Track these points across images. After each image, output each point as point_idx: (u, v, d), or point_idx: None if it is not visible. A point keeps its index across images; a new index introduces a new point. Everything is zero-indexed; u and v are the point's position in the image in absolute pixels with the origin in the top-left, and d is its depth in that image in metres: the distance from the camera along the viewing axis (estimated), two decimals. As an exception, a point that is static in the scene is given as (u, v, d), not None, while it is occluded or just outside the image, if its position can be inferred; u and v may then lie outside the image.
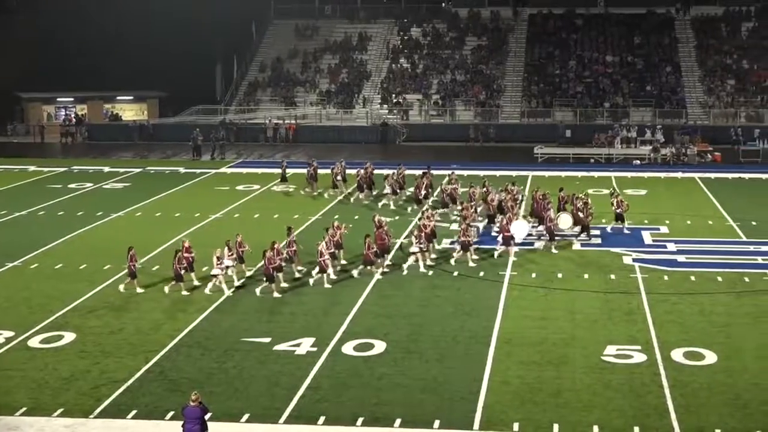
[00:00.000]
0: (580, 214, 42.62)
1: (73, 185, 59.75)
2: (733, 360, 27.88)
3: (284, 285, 35.42)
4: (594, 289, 35.29)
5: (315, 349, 29.02)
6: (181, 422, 21.43)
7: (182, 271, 35.14)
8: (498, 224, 43.10)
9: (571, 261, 39.28)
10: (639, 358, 28.11)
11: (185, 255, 35.43)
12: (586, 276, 37.03)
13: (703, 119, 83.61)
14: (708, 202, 52.19)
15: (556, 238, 41.64)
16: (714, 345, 29.13)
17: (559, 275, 37.20)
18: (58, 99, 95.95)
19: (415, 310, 32.86)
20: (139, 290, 35.23)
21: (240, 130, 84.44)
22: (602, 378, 26.50)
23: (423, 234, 38.48)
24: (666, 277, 36.89)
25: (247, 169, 66.89)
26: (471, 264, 38.62)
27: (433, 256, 39.38)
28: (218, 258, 34.96)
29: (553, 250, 40.84)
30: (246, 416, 24.08)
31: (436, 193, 51.82)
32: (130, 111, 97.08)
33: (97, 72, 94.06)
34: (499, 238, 40.51)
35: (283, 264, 35.81)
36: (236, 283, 35.92)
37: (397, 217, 47.88)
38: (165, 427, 23.60)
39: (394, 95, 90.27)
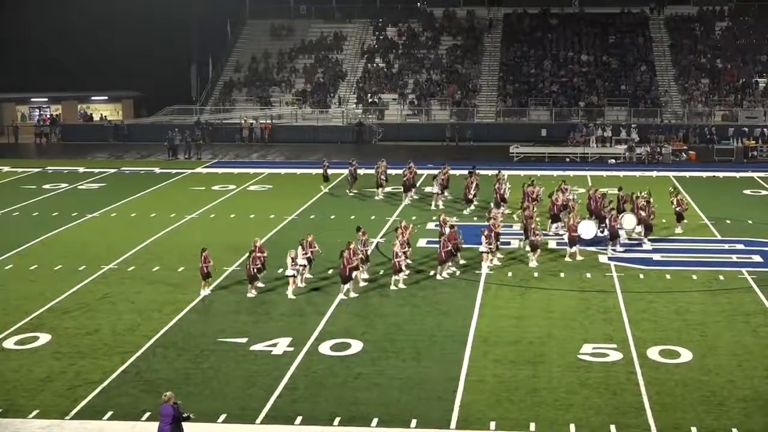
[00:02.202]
0: (642, 213, 42.16)
1: (47, 186, 59.50)
2: (708, 358, 28.01)
3: (363, 284, 35.19)
4: (570, 288, 35.39)
5: (292, 349, 28.99)
6: (158, 423, 21.41)
7: (254, 272, 34.66)
8: (559, 225, 43.44)
9: (547, 260, 39.30)
10: (615, 356, 28.20)
11: (257, 255, 34.88)
12: (562, 275, 37.12)
13: (678, 118, 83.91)
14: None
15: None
16: (689, 343, 29.27)
17: (535, 274, 37.27)
18: (32, 99, 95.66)
19: (392, 310, 32.85)
20: (205, 291, 34.77)
21: (215, 130, 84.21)
22: (579, 376, 26.57)
23: (492, 234, 38.29)
24: (641, 276, 37.03)
25: (222, 169, 66.77)
26: (533, 263, 38.52)
27: (500, 255, 39.17)
28: (292, 258, 34.64)
29: (618, 248, 40.61)
30: (222, 417, 24.02)
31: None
32: (105, 111, 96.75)
33: (71, 72, 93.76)
34: (565, 238, 40.74)
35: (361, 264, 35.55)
36: (300, 285, 35.52)
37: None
38: (141, 428, 23.50)
39: (369, 95, 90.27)
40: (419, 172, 56.08)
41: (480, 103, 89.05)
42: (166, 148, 74.20)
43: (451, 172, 53.58)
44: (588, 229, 40.53)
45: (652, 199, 43.14)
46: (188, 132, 76.40)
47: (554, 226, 43.90)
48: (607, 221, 41.14)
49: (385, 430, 23.38)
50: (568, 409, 24.42)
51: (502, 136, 79.21)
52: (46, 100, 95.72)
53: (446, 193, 52.09)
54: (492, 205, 47.44)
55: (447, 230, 37.68)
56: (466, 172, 52.63)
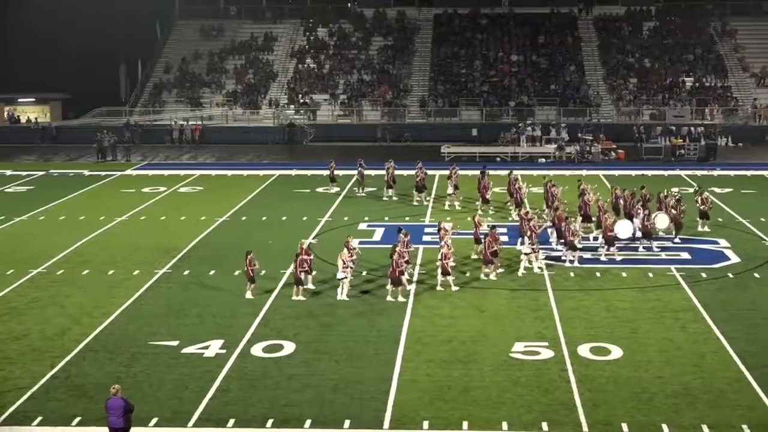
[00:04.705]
0: (673, 212, 42.41)
1: (-26, 189, 58.73)
2: (638, 354, 28.30)
3: (409, 288, 34.87)
4: (502, 287, 35.55)
5: (224, 351, 28.84)
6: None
7: (302, 275, 34.25)
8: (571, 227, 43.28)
9: (479, 259, 39.33)
10: (546, 354, 28.40)
11: (304, 257, 34.34)
12: (493, 274, 37.23)
13: (607, 117, 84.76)
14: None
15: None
16: (619, 340, 29.55)
17: (467, 273, 37.37)
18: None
19: (325, 310, 32.78)
20: (248, 295, 34.38)
21: (145, 132, 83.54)
22: (510, 375, 26.72)
23: (534, 234, 38.19)
24: (572, 274, 37.31)
25: (152, 171, 66.27)
26: (574, 264, 38.54)
27: (541, 256, 39.07)
28: (344, 261, 34.32)
29: (655, 249, 40.79)
30: (154, 420, 23.83)
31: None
32: (32, 113, 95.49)
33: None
34: (601, 239, 40.67)
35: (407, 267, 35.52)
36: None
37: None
38: (71, 434, 23.32)
39: (300, 95, 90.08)
40: (349, 172, 56.45)
41: (411, 103, 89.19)
42: (95, 150, 73.47)
43: (376, 171, 53.85)
44: (624, 228, 40.62)
45: (682, 198, 43.68)
46: (103, 133, 74.96)
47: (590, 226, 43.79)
48: (638, 220, 41.28)
49: (318, 431, 23.34)
50: (500, 407, 24.54)
51: (433, 137, 79.48)
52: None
53: (457, 194, 51.41)
54: (513, 206, 47.74)
55: (482, 231, 38.25)
56: (478, 172, 51.99)
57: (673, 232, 42.76)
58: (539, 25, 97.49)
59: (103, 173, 65.16)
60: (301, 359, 28.18)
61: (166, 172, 65.37)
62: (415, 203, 51.97)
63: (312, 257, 35.15)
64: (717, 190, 54.61)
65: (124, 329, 31.08)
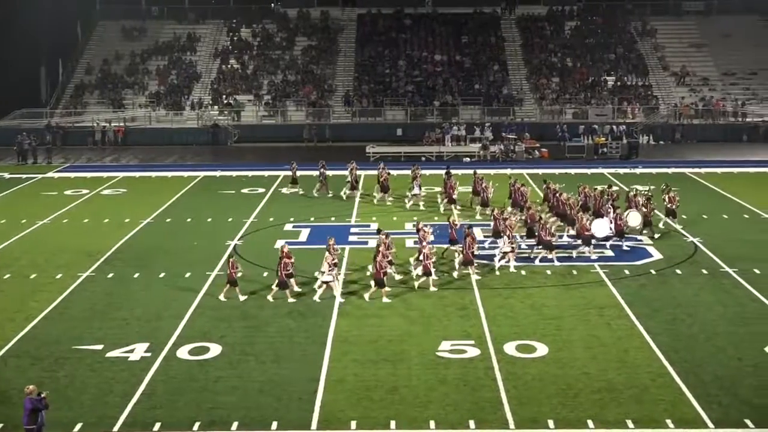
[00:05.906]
0: (644, 210, 42.73)
1: None
2: (563, 351, 28.57)
3: (388, 289, 34.58)
4: (428, 286, 35.60)
5: (149, 354, 28.61)
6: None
7: (286, 277, 33.88)
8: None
9: (405, 258, 39.39)
10: (473, 352, 28.55)
11: (287, 260, 33.92)
12: (420, 272, 37.31)
13: (530, 116, 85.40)
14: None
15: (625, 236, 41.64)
16: (545, 337, 29.80)
17: (390, 270, 37.29)
18: None
19: (251, 312, 32.65)
20: (241, 297, 33.99)
21: (67, 134, 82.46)
22: (437, 373, 26.83)
23: (511, 233, 38.24)
24: (497, 272, 37.49)
25: (75, 174, 65.43)
26: (556, 263, 38.62)
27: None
28: (329, 264, 33.98)
29: (624, 247, 40.99)
30: (79, 425, 23.59)
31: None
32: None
33: None
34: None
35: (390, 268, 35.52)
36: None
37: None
38: (-6, 441, 23.00)
39: (224, 96, 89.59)
40: (276, 173, 56.41)
41: (335, 103, 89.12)
42: (15, 152, 72.36)
43: (305, 172, 53.87)
44: (601, 227, 40.73)
45: (653, 196, 44.26)
46: (21, 136, 73.69)
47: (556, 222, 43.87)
48: (609, 218, 41.46)
49: (245, 433, 23.31)
50: (427, 406, 24.64)
51: (358, 136, 79.47)
52: None
53: (421, 194, 51.29)
54: (479, 206, 48.00)
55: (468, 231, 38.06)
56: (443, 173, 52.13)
57: (652, 231, 43.25)
58: (462, 24, 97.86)
59: (24, 176, 64.24)
60: (228, 361, 28.06)
61: (88, 175, 64.61)
62: (378, 202, 51.83)
63: (293, 260, 34.66)
64: (639, 187, 55.21)
65: (48, 334, 30.71)
